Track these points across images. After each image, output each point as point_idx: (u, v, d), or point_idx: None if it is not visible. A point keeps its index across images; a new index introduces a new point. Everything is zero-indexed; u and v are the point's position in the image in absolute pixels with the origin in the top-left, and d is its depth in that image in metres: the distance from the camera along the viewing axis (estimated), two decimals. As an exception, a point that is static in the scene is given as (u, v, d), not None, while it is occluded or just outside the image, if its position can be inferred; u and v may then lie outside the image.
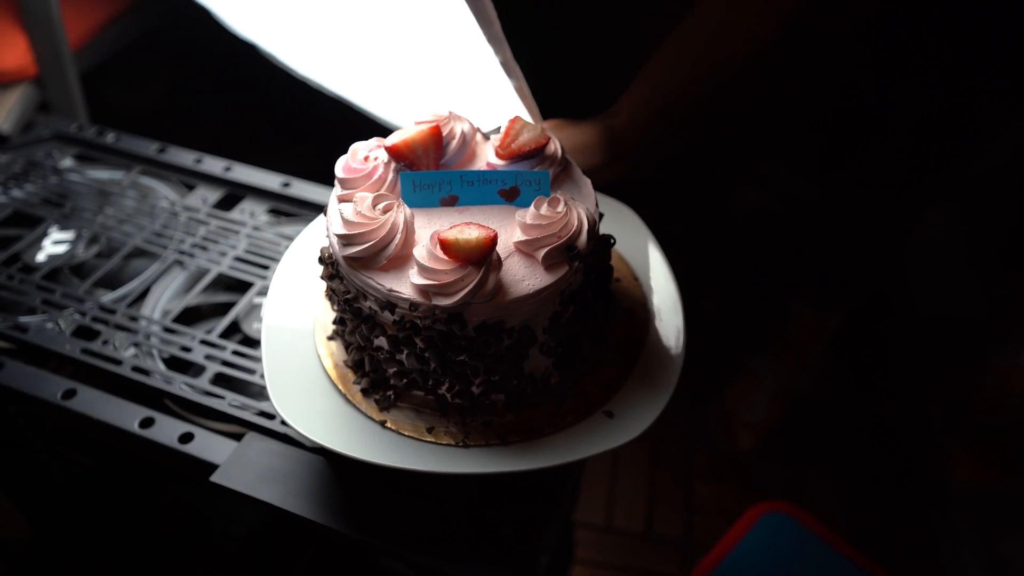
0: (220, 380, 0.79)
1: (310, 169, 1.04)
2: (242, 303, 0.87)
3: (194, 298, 0.88)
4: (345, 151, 0.70)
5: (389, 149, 0.68)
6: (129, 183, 1.03)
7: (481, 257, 0.59)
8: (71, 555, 1.26)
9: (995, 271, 1.39)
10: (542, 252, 0.62)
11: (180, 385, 0.78)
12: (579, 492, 1.26)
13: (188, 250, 0.93)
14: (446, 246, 0.59)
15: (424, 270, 0.60)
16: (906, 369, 1.63)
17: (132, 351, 0.81)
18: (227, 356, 0.81)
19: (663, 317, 0.74)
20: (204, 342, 0.82)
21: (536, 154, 0.69)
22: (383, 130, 0.70)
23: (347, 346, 0.70)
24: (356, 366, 0.69)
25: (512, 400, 0.67)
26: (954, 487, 1.44)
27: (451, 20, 0.87)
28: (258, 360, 0.80)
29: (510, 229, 0.65)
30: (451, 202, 0.68)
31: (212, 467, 0.70)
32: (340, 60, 1.19)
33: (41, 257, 0.93)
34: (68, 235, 0.96)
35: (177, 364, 0.81)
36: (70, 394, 0.76)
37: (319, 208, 0.98)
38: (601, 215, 0.70)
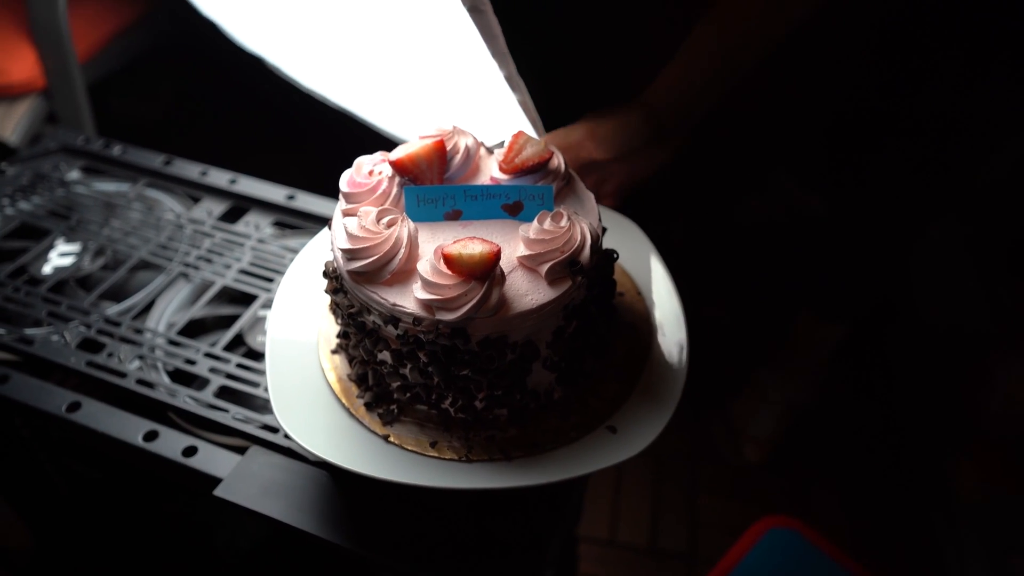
0: (224, 393, 0.79)
1: (315, 181, 1.05)
2: (246, 316, 0.87)
3: (199, 311, 0.88)
4: (350, 164, 0.70)
5: (393, 163, 0.68)
6: (135, 195, 1.04)
7: (484, 272, 0.59)
8: (74, 567, 1.25)
9: (1001, 281, 1.38)
10: (545, 267, 0.62)
11: (184, 398, 0.78)
12: (583, 506, 1.25)
13: (193, 262, 0.93)
14: (449, 261, 0.59)
15: (428, 285, 0.60)
16: (911, 379, 1.62)
17: (137, 364, 0.82)
18: (231, 369, 0.81)
19: (666, 332, 0.74)
20: (208, 355, 0.83)
21: (539, 168, 0.69)
22: (388, 143, 0.71)
23: (351, 360, 0.70)
24: (359, 380, 0.69)
25: (515, 415, 0.66)
26: (960, 499, 1.43)
27: (456, 35, 0.88)
28: (262, 373, 0.80)
29: (513, 244, 0.65)
30: (455, 216, 0.68)
31: (216, 480, 0.70)
32: (345, 73, 1.20)
33: (47, 269, 0.93)
34: (74, 247, 0.96)
35: (181, 377, 0.81)
36: (75, 407, 0.76)
37: (324, 221, 0.98)
38: (604, 229, 0.70)
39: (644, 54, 0.81)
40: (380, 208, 0.65)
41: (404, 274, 0.63)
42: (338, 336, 0.71)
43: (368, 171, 0.69)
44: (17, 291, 0.89)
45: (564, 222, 0.63)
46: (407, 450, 0.65)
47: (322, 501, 0.69)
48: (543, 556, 0.68)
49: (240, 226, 0.99)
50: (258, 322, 0.87)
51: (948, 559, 1.36)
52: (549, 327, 0.63)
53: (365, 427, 0.67)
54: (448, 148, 0.70)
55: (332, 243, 0.66)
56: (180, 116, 2.02)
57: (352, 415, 0.68)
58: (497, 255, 0.60)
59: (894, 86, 1.10)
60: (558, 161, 0.70)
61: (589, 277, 0.63)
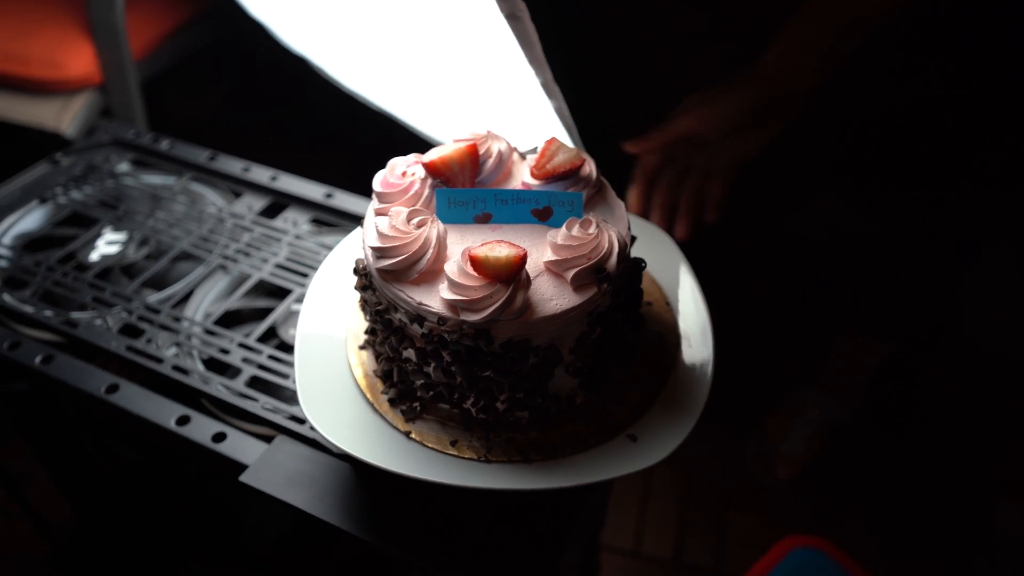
0: (255, 383, 0.81)
1: (354, 180, 1.06)
2: (280, 309, 0.89)
3: (235, 302, 0.91)
4: (384, 163, 0.71)
5: (426, 165, 0.69)
6: (180, 188, 1.07)
7: (510, 275, 0.60)
8: (111, 542, 1.30)
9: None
10: (571, 273, 0.62)
11: (217, 386, 0.80)
12: (605, 514, 1.25)
13: (232, 255, 0.96)
14: (476, 263, 0.60)
15: (454, 285, 0.61)
16: (955, 406, 1.57)
17: (174, 350, 0.84)
18: (263, 360, 0.83)
19: (693, 343, 0.74)
20: (242, 345, 0.85)
21: (571, 175, 0.70)
22: (426, 145, 0.72)
23: (377, 356, 0.71)
24: (385, 376, 0.70)
25: (536, 418, 0.67)
26: (1003, 536, 1.39)
27: (494, 41, 0.89)
28: (292, 365, 0.82)
29: (541, 248, 0.65)
30: (485, 219, 0.69)
31: (242, 467, 0.72)
32: (386, 76, 1.22)
33: (94, 256, 0.97)
34: (121, 236, 1.00)
35: (215, 365, 0.84)
36: (113, 389, 0.79)
37: (359, 219, 1.00)
38: (634, 238, 0.71)
39: (678, 63, 0.81)
40: (411, 209, 0.66)
41: (432, 274, 0.64)
42: (366, 332, 0.73)
43: (401, 172, 0.70)
44: (65, 276, 0.93)
45: (592, 229, 0.64)
46: (428, 447, 0.66)
47: (344, 493, 0.70)
48: (559, 559, 0.68)
49: (279, 222, 1.01)
50: (291, 316, 0.89)
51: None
52: (573, 333, 0.64)
53: (388, 423, 0.68)
54: (481, 152, 0.71)
55: (363, 241, 0.67)
56: (229, 113, 2.08)
57: (376, 410, 0.69)
58: (523, 259, 0.61)
59: (952, 99, 1.07)
60: (590, 168, 0.71)
61: (615, 285, 0.63)
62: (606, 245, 0.63)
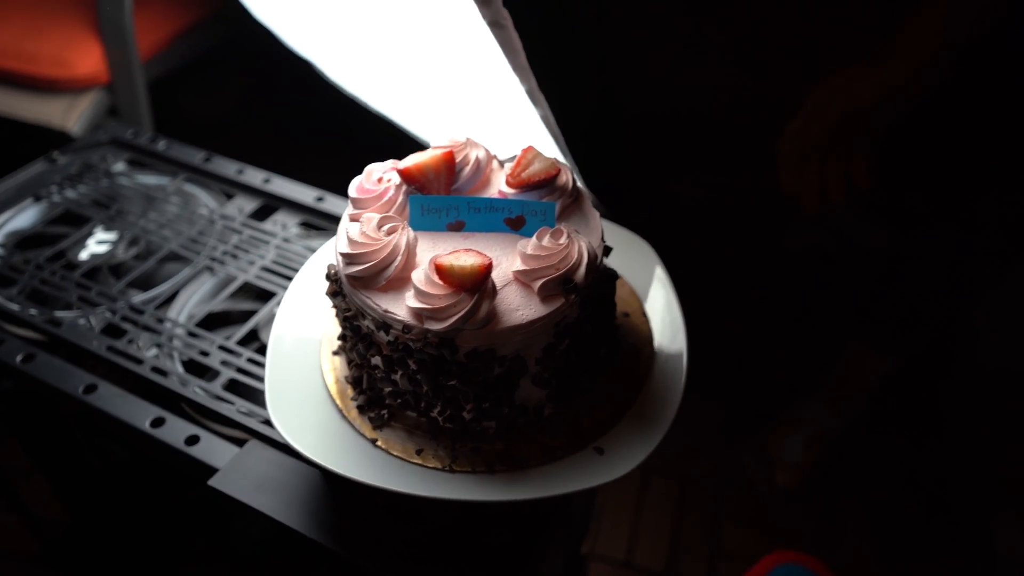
0: (233, 386, 0.81)
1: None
2: (263, 312, 0.89)
3: (218, 304, 0.91)
4: None
5: (401, 172, 0.69)
6: (174, 189, 1.08)
7: (475, 284, 0.60)
8: (102, 540, 1.30)
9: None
10: (539, 283, 0.62)
11: (194, 388, 0.80)
12: (591, 523, 1.24)
13: (219, 257, 0.96)
14: (441, 271, 0.60)
15: (419, 294, 0.61)
16: (960, 423, 1.54)
17: (154, 351, 0.85)
18: (242, 363, 0.83)
19: (667, 356, 0.73)
20: (222, 348, 0.85)
21: (546, 184, 0.69)
22: (421, 149, 0.72)
23: (348, 362, 0.71)
24: (355, 383, 0.70)
25: (503, 428, 0.66)
26: (1003, 557, 1.36)
27: (483, 49, 0.88)
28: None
29: (511, 257, 0.65)
30: (458, 227, 0.68)
31: (214, 470, 0.72)
32: (383, 80, 1.22)
33: (84, 255, 0.98)
34: (111, 236, 1.01)
35: (195, 367, 0.84)
36: (91, 389, 0.80)
37: (348, 224, 1.00)
38: (609, 249, 0.70)
39: (660, 69, 0.81)
40: (383, 215, 0.66)
41: (399, 281, 0.63)
42: (339, 338, 0.73)
43: (377, 178, 0.70)
44: (53, 275, 0.94)
45: (563, 239, 0.63)
46: (393, 455, 0.66)
47: (312, 499, 0.70)
48: (533, 570, 0.68)
49: (268, 224, 1.02)
50: (273, 319, 0.89)
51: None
52: (539, 343, 0.63)
53: (355, 429, 0.68)
54: (458, 159, 0.71)
55: (335, 247, 0.67)
56: (234, 113, 2.09)
57: (344, 417, 0.69)
58: (488, 268, 0.60)
59: (967, 109, 1.05)
60: (566, 178, 0.70)
61: (583, 296, 0.63)
62: (575, 256, 0.63)
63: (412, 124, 1.25)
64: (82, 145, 1.15)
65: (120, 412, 0.77)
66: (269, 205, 1.05)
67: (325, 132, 1.91)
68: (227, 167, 1.10)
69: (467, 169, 0.71)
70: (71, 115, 1.51)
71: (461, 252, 0.61)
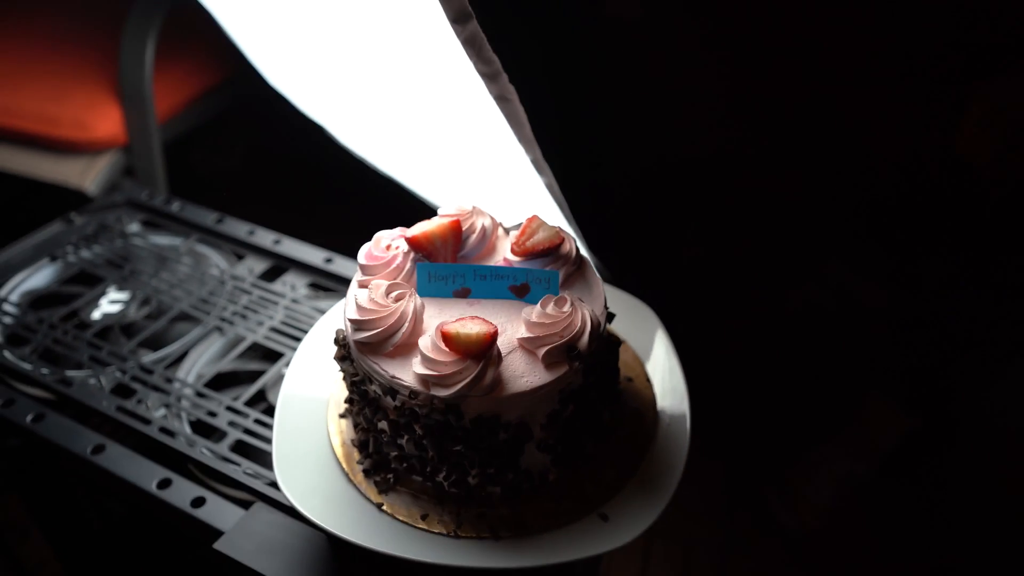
0: (240, 447, 0.82)
1: (360, 245, 1.09)
2: (270, 373, 0.90)
3: (227, 364, 0.92)
4: (392, 228, 0.74)
5: (409, 240, 0.71)
6: (186, 250, 1.10)
7: (480, 351, 0.61)
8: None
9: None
10: (543, 350, 0.63)
11: (201, 449, 0.81)
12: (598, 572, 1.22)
13: (229, 317, 0.98)
14: (448, 339, 0.61)
15: (426, 360, 0.62)
16: (977, 483, 1.52)
17: (162, 412, 0.86)
18: (249, 424, 0.84)
19: (671, 420, 0.74)
20: (230, 408, 0.86)
21: (550, 253, 0.71)
22: (430, 213, 0.74)
23: (355, 425, 0.72)
24: (361, 446, 0.71)
25: (508, 493, 0.67)
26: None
27: (490, 120, 0.92)
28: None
29: (516, 324, 0.66)
30: (464, 294, 0.70)
31: (219, 533, 0.73)
32: (391, 145, 1.26)
33: (96, 315, 0.99)
34: (124, 296, 1.03)
35: (202, 428, 0.85)
36: (99, 449, 0.80)
37: (356, 285, 1.02)
38: (612, 315, 0.71)
39: (663, 138, 0.84)
40: (391, 282, 0.67)
41: (407, 347, 0.65)
42: (346, 401, 0.74)
43: (386, 245, 0.72)
44: (66, 334, 0.96)
45: (567, 307, 0.65)
46: (398, 520, 0.66)
47: (316, 563, 0.70)
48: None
49: (277, 285, 1.04)
50: (281, 379, 0.90)
51: None
52: (544, 410, 0.64)
53: (361, 494, 0.68)
54: (464, 227, 0.73)
55: (344, 313, 0.69)
56: (245, 171, 2.14)
57: (350, 480, 0.70)
58: (493, 336, 0.61)
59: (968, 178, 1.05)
60: (569, 246, 0.72)
61: (587, 363, 0.64)
62: (579, 323, 0.64)
63: (420, 187, 1.28)
64: (99, 206, 1.18)
65: (127, 473, 0.78)
66: (279, 266, 1.08)
67: (334, 191, 1.95)
68: (238, 228, 1.13)
69: (473, 237, 0.74)
70: (88, 175, 1.55)
71: (467, 320, 0.63)
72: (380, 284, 0.67)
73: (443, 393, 0.61)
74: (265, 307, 1.00)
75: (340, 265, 1.06)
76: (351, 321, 0.66)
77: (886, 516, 1.48)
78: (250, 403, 0.87)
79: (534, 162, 0.87)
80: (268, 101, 1.52)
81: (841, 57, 0.90)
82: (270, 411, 0.87)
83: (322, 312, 0.99)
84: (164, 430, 0.83)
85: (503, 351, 0.64)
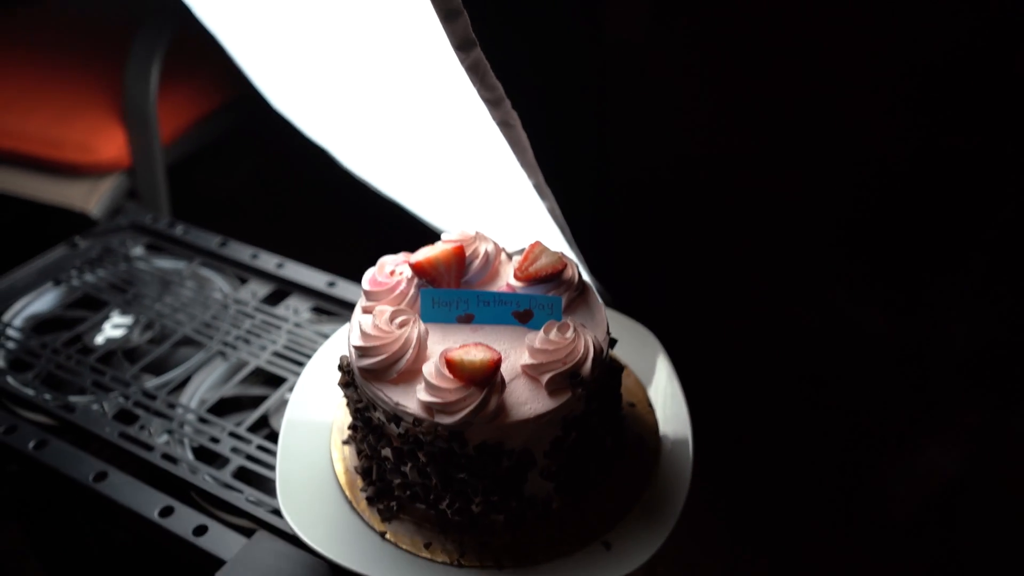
0: (242, 474, 0.82)
1: (363, 268, 1.09)
2: (273, 398, 0.90)
3: (230, 389, 0.92)
4: (395, 251, 0.74)
5: (413, 266, 0.72)
6: (190, 273, 1.10)
7: (484, 378, 0.61)
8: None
9: None
10: (546, 377, 0.63)
11: (204, 476, 0.81)
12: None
13: (232, 342, 0.98)
14: (452, 365, 0.61)
15: (430, 387, 0.62)
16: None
17: (165, 438, 0.86)
18: (252, 450, 0.84)
19: (673, 446, 0.74)
20: (232, 434, 0.86)
21: (553, 278, 0.71)
22: (432, 236, 0.74)
23: (358, 452, 0.72)
24: (364, 473, 0.71)
25: (512, 521, 0.67)
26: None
27: (492, 143, 0.92)
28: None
29: (520, 350, 0.66)
30: (467, 320, 0.70)
31: (221, 562, 0.72)
32: (394, 169, 1.27)
33: (99, 340, 0.99)
34: (127, 320, 1.03)
35: (204, 454, 0.84)
36: (101, 476, 0.80)
37: (358, 309, 1.02)
38: (614, 341, 0.71)
39: (665, 163, 0.84)
40: (395, 308, 0.68)
41: (411, 374, 0.65)
42: (349, 427, 0.74)
43: (389, 271, 0.73)
44: (69, 359, 0.96)
45: (569, 333, 0.65)
46: (401, 549, 0.66)
47: (318, 592, 0.70)
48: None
49: (280, 309, 1.04)
50: (284, 405, 0.90)
51: None
52: (547, 437, 0.64)
53: (364, 522, 0.68)
54: (468, 253, 0.73)
55: (348, 339, 0.69)
56: (248, 192, 2.15)
57: (354, 508, 0.69)
58: (497, 363, 0.62)
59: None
60: (572, 272, 0.72)
61: (589, 390, 0.64)
62: (582, 350, 0.64)
63: (422, 210, 1.29)
64: (103, 230, 1.19)
65: (129, 501, 0.78)
66: (282, 290, 1.08)
67: (337, 212, 1.96)
68: (242, 252, 1.13)
69: (476, 262, 0.74)
70: (92, 198, 1.56)
71: (471, 346, 0.63)
72: (384, 310, 0.67)
73: (447, 420, 0.61)
74: (268, 331, 1.00)
75: (343, 289, 1.06)
76: (355, 348, 0.66)
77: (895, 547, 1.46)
78: (253, 429, 0.87)
79: (536, 187, 0.87)
80: (271, 123, 1.54)
81: (848, 103, 0.89)
82: (272, 437, 0.87)
83: (325, 336, 0.99)
84: (167, 456, 0.83)
85: (506, 377, 0.64)
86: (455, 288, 0.72)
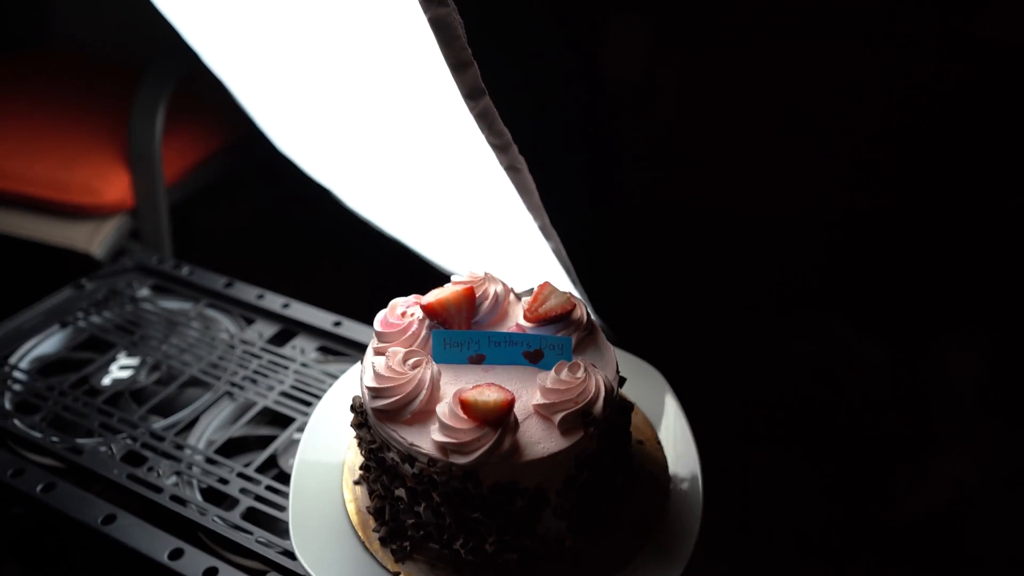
0: (251, 514, 0.82)
1: (370, 308, 1.10)
2: (282, 438, 0.91)
3: (238, 430, 0.93)
4: (403, 292, 0.75)
5: (424, 307, 0.73)
6: (196, 314, 1.11)
7: (498, 419, 0.62)
8: None
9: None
10: (559, 416, 0.64)
11: (213, 517, 0.81)
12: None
13: (239, 382, 0.99)
14: (466, 406, 0.62)
15: (444, 428, 0.63)
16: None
17: (174, 479, 0.86)
18: (260, 491, 0.84)
19: (683, 482, 0.74)
20: (241, 475, 0.86)
21: (562, 319, 0.73)
22: (440, 277, 0.76)
23: (371, 492, 0.72)
24: (377, 513, 0.71)
25: (525, 560, 0.67)
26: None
27: (496, 186, 0.94)
28: (288, 496, 0.82)
29: (531, 390, 0.67)
30: (478, 360, 0.71)
31: (231, 605, 0.72)
32: (398, 210, 1.29)
33: (106, 381, 1.00)
34: (134, 361, 1.03)
35: (213, 495, 0.84)
36: (110, 519, 0.80)
37: (365, 349, 1.03)
38: (623, 380, 0.72)
39: (669, 202, 0.86)
40: (408, 349, 0.69)
41: (424, 415, 0.66)
42: (361, 468, 0.74)
43: (401, 312, 0.74)
44: (76, 401, 0.96)
45: (580, 373, 0.66)
46: (415, 590, 0.66)
47: (330, 635, 0.69)
48: None
49: (287, 349, 1.05)
50: (292, 445, 0.91)
51: None
52: (560, 476, 0.65)
53: (377, 562, 0.68)
54: (478, 294, 0.75)
55: (361, 380, 0.70)
56: (250, 231, 2.17)
57: (367, 549, 0.70)
58: (511, 404, 0.63)
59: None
60: (580, 312, 0.74)
61: (601, 429, 0.65)
62: (593, 389, 0.65)
63: (427, 250, 1.31)
64: (109, 271, 1.20)
65: (138, 544, 0.77)
66: (288, 330, 1.09)
67: (340, 252, 1.98)
68: (247, 292, 1.14)
69: (486, 303, 0.75)
70: (95, 239, 1.57)
71: (484, 387, 0.64)
72: (397, 351, 0.68)
73: (462, 460, 0.61)
74: (275, 371, 1.01)
75: (349, 328, 1.07)
76: (369, 388, 0.67)
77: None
78: (261, 469, 0.87)
79: (542, 228, 0.89)
80: (273, 164, 1.56)
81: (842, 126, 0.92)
82: (281, 477, 0.87)
83: (332, 376, 1.00)
84: (175, 498, 0.83)
85: (519, 417, 0.65)
86: (466, 329, 0.74)
